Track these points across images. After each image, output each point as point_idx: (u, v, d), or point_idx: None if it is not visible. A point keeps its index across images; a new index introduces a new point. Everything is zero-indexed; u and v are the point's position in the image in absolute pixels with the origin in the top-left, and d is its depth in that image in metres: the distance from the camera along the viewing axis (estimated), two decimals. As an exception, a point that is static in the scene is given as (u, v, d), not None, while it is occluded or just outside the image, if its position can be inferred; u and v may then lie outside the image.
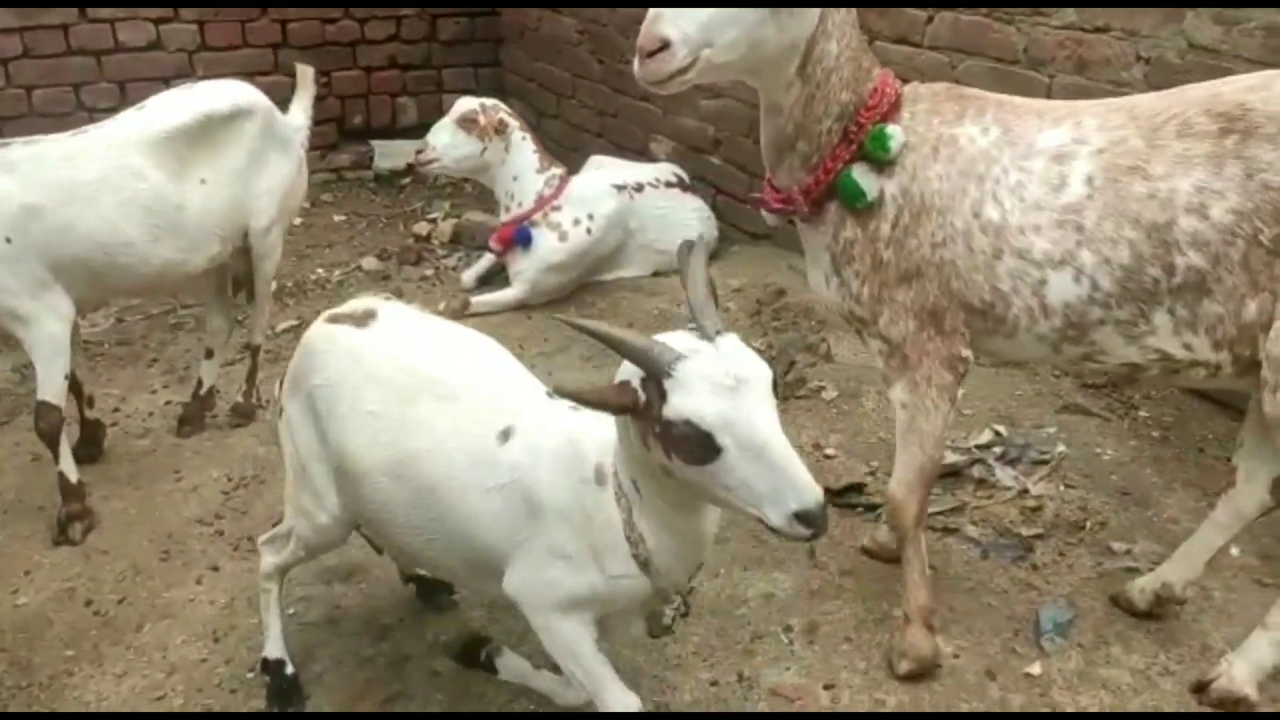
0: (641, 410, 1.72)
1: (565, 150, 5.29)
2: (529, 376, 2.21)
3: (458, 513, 2.08)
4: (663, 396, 1.68)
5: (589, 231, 4.68)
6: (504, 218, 4.75)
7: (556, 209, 4.68)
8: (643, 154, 5.60)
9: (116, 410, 3.77)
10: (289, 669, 2.50)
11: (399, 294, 4.38)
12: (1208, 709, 2.40)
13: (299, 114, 3.60)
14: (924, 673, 2.52)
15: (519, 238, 4.63)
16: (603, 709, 2.10)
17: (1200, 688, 2.45)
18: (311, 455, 2.28)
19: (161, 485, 3.35)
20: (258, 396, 3.73)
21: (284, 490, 2.43)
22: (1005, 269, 2.29)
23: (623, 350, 1.72)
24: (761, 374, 1.71)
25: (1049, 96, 3.18)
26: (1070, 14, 3.64)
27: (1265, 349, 2.17)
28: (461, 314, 4.48)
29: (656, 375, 1.69)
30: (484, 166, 4.69)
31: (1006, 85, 3.30)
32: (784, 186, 2.45)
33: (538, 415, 2.06)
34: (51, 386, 3.00)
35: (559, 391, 1.72)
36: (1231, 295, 2.17)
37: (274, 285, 3.88)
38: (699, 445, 1.67)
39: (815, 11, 2.23)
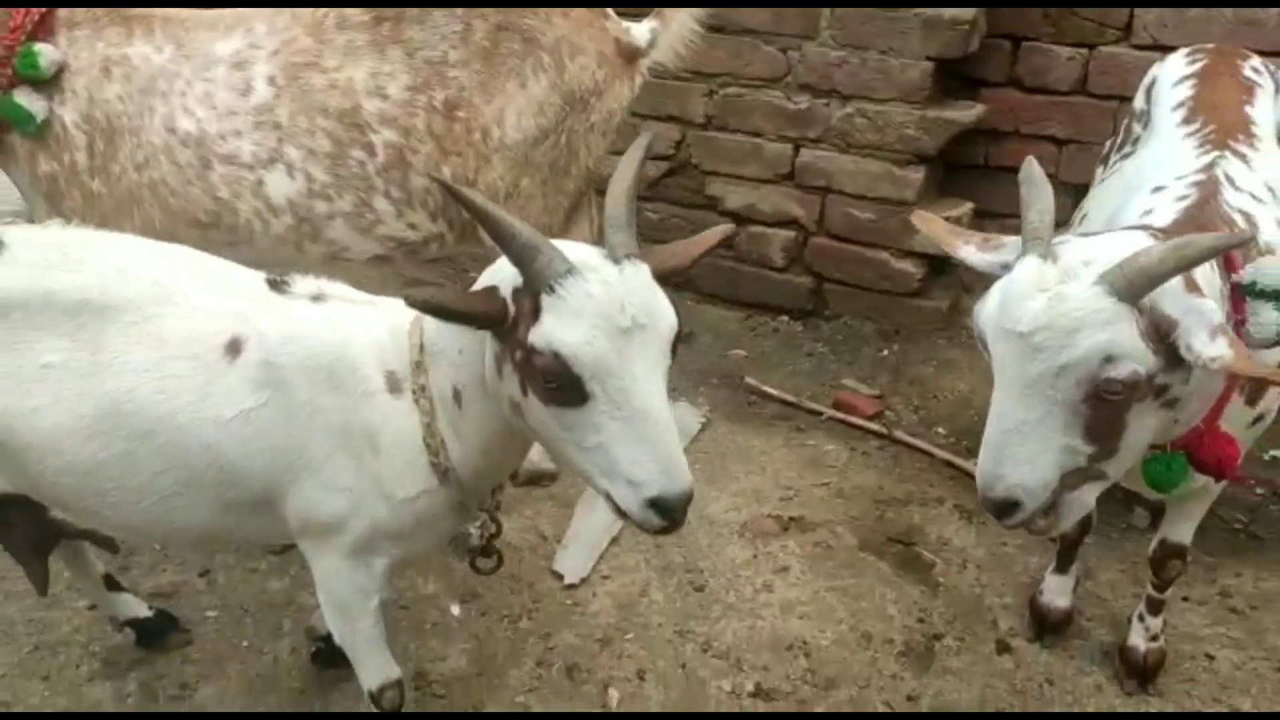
0: (506, 328, 1.44)
1: None
2: (235, 267, 1.81)
3: (191, 456, 1.69)
4: (535, 314, 1.39)
5: None
6: None
7: None
8: None
9: None
10: None
11: None
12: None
13: None
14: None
15: None
16: (362, 678, 1.92)
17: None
18: None
19: None
20: None
21: None
22: (218, 177, 2.37)
23: (508, 241, 1.41)
24: (665, 322, 1.44)
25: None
26: None
27: None
28: None
29: (536, 287, 1.40)
30: None
31: None
32: None
33: (270, 318, 1.69)
34: None
35: (414, 304, 1.41)
36: (429, 164, 2.40)
37: None
38: (563, 386, 1.39)
39: None
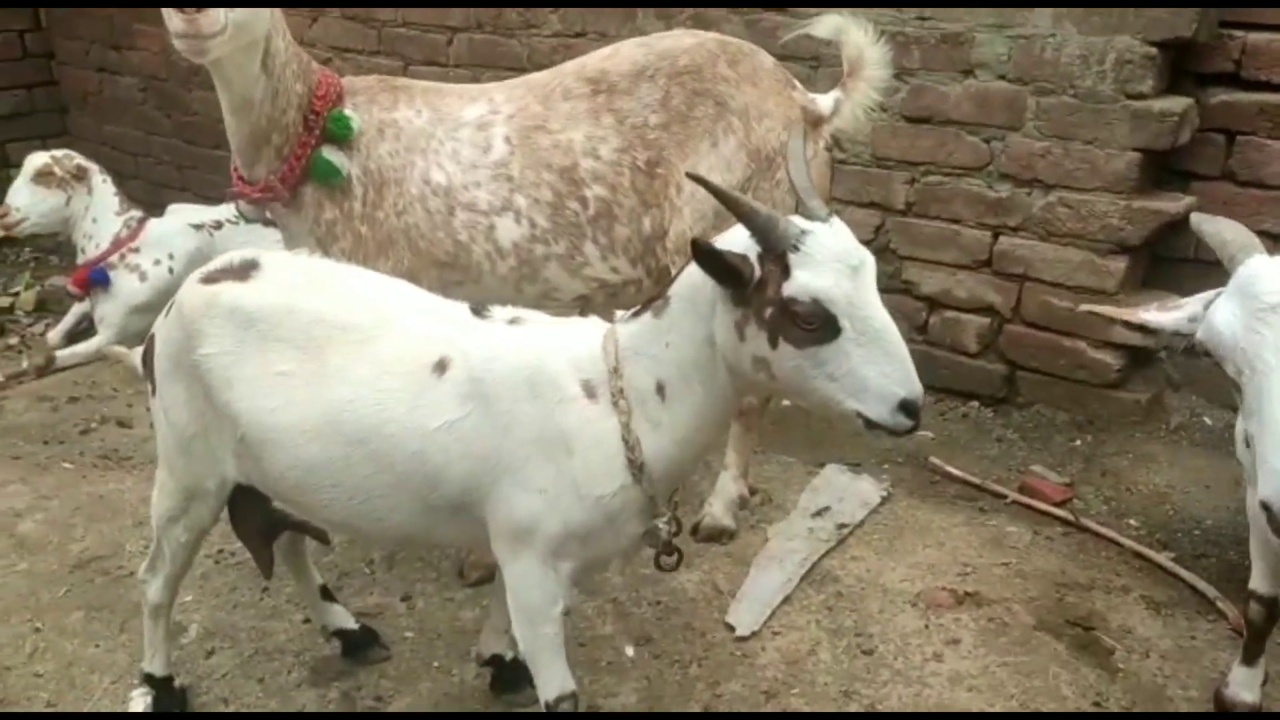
0: (751, 289, 1.66)
1: (152, 208, 5.14)
2: (446, 300, 2.06)
3: (399, 461, 1.91)
4: (785, 272, 1.63)
5: (170, 270, 4.59)
6: (80, 261, 4.65)
7: (135, 251, 4.61)
8: (225, 200, 5.59)
9: None
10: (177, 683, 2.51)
11: None
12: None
13: None
14: (490, 578, 2.59)
15: (95, 278, 4.56)
16: (540, 687, 2.02)
17: (693, 529, 2.98)
18: (204, 429, 2.09)
19: None
20: None
21: (152, 493, 2.29)
22: (460, 222, 2.70)
23: (748, 216, 1.66)
24: (871, 260, 1.68)
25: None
26: (556, 24, 4.41)
27: (669, 252, 2.70)
28: (47, 370, 4.43)
29: (781, 248, 1.64)
30: (72, 217, 4.65)
31: None
32: (259, 179, 2.70)
33: (474, 339, 1.92)
34: None
35: (696, 246, 1.65)
36: (632, 216, 2.70)
37: None
38: (821, 325, 1.62)
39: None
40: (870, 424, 1.67)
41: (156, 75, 5.91)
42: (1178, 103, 3.25)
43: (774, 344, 1.67)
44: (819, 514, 3.09)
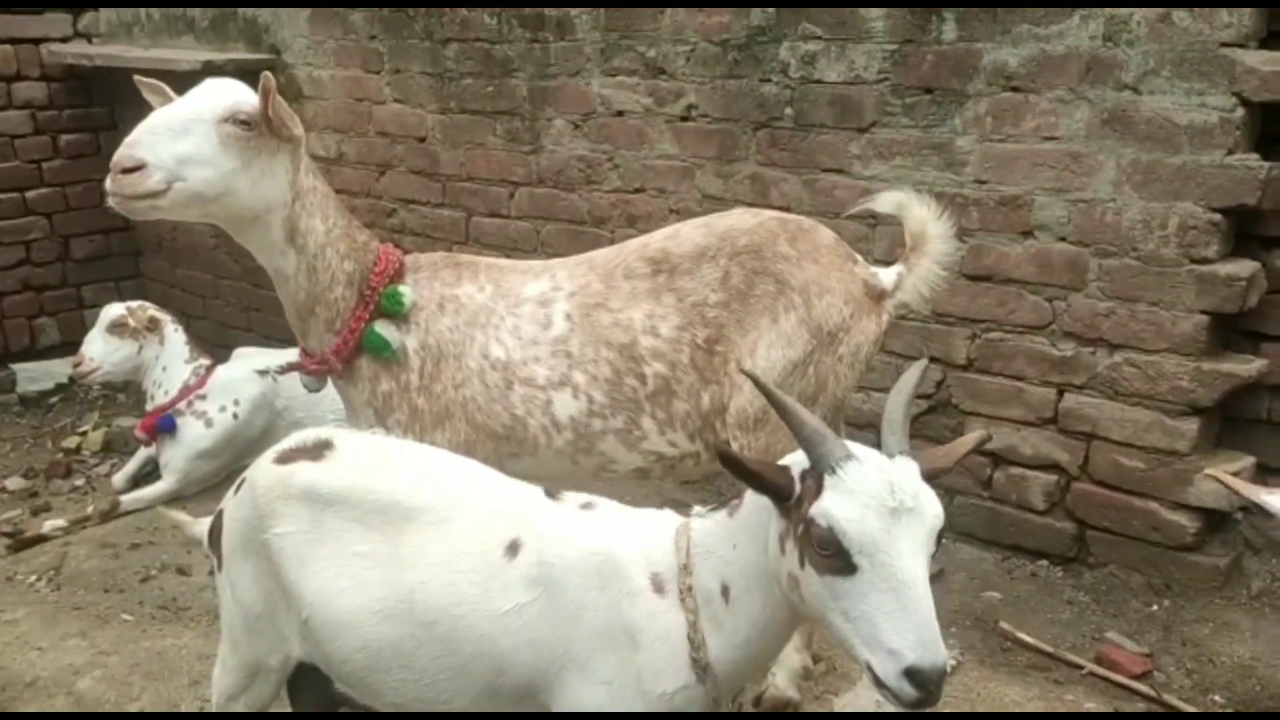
0: (791, 504, 1.63)
1: (217, 348, 5.40)
2: (518, 482, 2.07)
3: (467, 644, 1.89)
4: (818, 491, 1.59)
5: (235, 416, 4.72)
6: (149, 407, 4.81)
7: (202, 398, 4.73)
8: (290, 342, 5.75)
9: None
10: None
11: (47, 508, 4.64)
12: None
13: None
14: None
15: (163, 425, 4.68)
16: None
17: (755, 700, 2.85)
18: (271, 608, 2.10)
19: None
20: None
21: (213, 672, 2.30)
22: (517, 396, 2.73)
23: (798, 428, 1.64)
24: (930, 514, 1.61)
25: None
26: (616, 180, 4.53)
27: (729, 427, 2.69)
28: (111, 514, 4.48)
29: (820, 468, 1.61)
30: (143, 365, 4.83)
31: (579, 241, 4.50)
32: (315, 350, 2.81)
33: (547, 525, 1.92)
34: None
35: (723, 454, 1.65)
36: (691, 392, 2.71)
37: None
38: (835, 555, 1.57)
39: (284, 180, 2.63)
40: (878, 682, 1.57)
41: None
42: (1244, 266, 3.24)
43: (801, 563, 1.64)
44: (888, 687, 2.96)
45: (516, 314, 2.77)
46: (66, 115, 6.27)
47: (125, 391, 5.93)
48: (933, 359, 3.83)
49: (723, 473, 2.85)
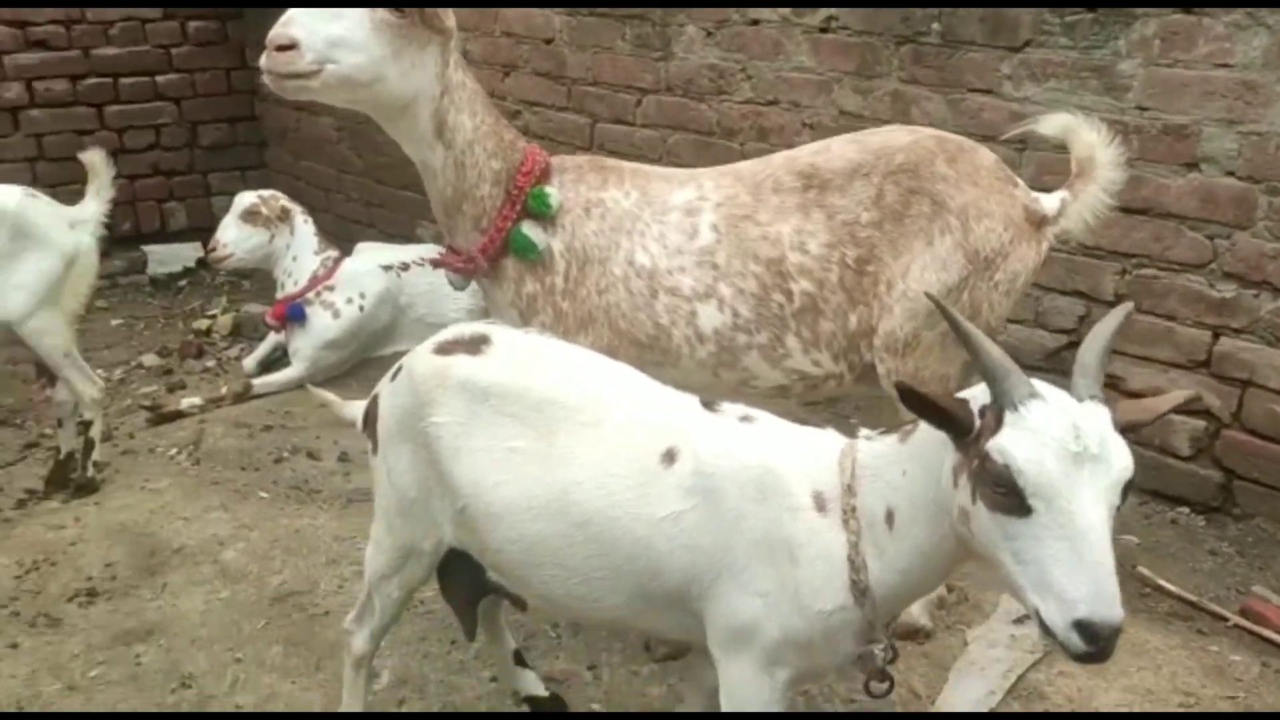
0: (970, 438, 1.57)
1: (340, 242, 5.38)
2: (673, 390, 2.06)
3: (622, 547, 1.91)
4: (997, 426, 1.53)
5: (361, 309, 4.84)
6: (279, 295, 4.91)
7: (330, 289, 4.84)
8: (410, 239, 5.87)
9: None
10: None
11: (181, 386, 4.87)
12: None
13: (91, 203, 3.82)
14: (677, 655, 2.78)
15: (292, 314, 4.80)
16: None
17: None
18: (426, 494, 2.13)
19: (-46, 575, 3.37)
20: (95, 469, 3.86)
21: (366, 552, 2.35)
22: (662, 305, 2.70)
23: (983, 359, 1.58)
24: (1118, 464, 1.51)
25: (742, 159, 3.37)
26: (748, 91, 4.40)
27: (876, 350, 2.65)
28: (244, 396, 4.65)
29: (1001, 404, 1.55)
30: (274, 253, 4.91)
31: (708, 151, 4.48)
32: (461, 248, 2.79)
33: (704, 433, 1.92)
34: None
35: (902, 389, 1.57)
36: (838, 312, 2.66)
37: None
38: (1009, 494, 1.50)
39: (433, 72, 2.63)
40: (1045, 629, 1.51)
41: (353, 117, 6.13)
42: None
43: (974, 498, 1.57)
44: (1021, 620, 2.95)
45: (662, 221, 2.73)
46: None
47: (250, 278, 6.10)
48: (1076, 293, 3.71)
49: (851, 394, 2.85)
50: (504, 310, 2.83)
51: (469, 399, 2.05)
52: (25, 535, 3.59)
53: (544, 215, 2.74)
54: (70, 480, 3.85)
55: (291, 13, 2.48)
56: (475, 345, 2.12)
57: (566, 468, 1.95)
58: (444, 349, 2.15)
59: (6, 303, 3.58)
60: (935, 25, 3.81)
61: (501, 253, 2.76)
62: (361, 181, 6.25)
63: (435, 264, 2.96)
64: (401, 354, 4.90)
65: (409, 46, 2.56)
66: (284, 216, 4.90)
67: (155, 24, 6.23)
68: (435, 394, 2.08)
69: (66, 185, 5.11)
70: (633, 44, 4.76)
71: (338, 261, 4.93)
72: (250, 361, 5.03)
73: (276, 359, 5.01)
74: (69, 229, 3.73)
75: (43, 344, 3.69)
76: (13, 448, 4.27)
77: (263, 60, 2.50)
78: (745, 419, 1.96)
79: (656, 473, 1.90)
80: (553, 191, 2.74)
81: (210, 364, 5.18)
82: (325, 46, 2.46)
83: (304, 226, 4.95)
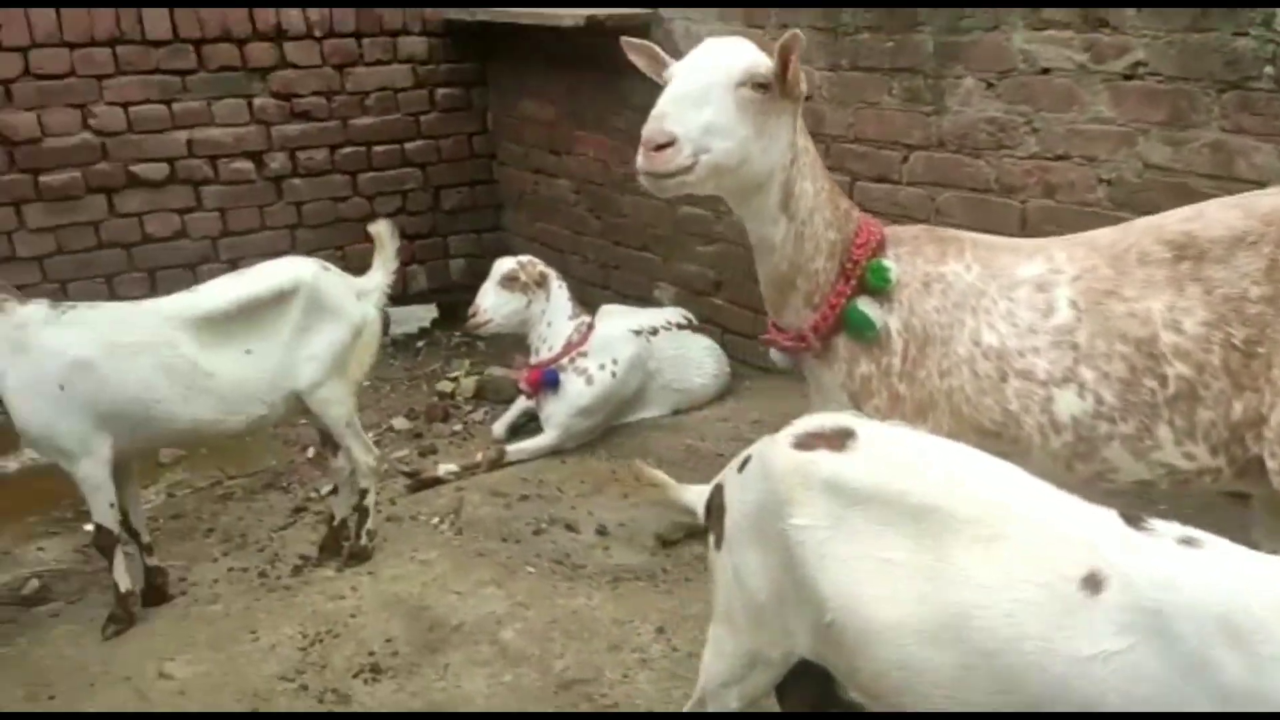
0: None
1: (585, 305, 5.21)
2: (1081, 501, 1.80)
3: (1035, 687, 1.66)
4: None
5: (614, 375, 4.73)
6: (533, 360, 4.81)
7: (583, 355, 4.74)
8: (647, 301, 5.82)
9: (183, 580, 3.84)
10: None
11: (433, 450, 4.83)
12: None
13: (377, 273, 3.90)
14: None
15: (547, 380, 4.70)
16: None
17: None
18: (779, 600, 1.98)
19: (240, 646, 3.39)
20: (369, 538, 3.87)
21: (704, 656, 2.22)
22: (1012, 390, 2.45)
23: None
24: None
25: (1024, 219, 3.27)
26: (1033, 145, 4.02)
27: (1267, 442, 2.31)
28: (499, 463, 4.56)
29: None
30: (530, 318, 4.83)
31: (982, 210, 4.15)
32: (790, 326, 2.63)
33: (1136, 557, 1.64)
34: (100, 512, 3.43)
35: None
36: (1220, 399, 2.35)
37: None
38: None
39: (786, 141, 2.47)
40: None
41: (591, 179, 6.19)
42: None
43: None
44: None
45: (1011, 298, 2.49)
46: (444, 70, 6.52)
47: (488, 340, 6.10)
48: None
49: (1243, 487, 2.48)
50: (833, 393, 2.63)
51: (835, 501, 1.87)
52: (306, 604, 3.60)
53: (882, 291, 2.55)
54: (343, 547, 3.88)
55: (661, 105, 2.38)
56: (839, 440, 1.95)
57: (960, 588, 1.73)
58: (803, 443, 1.98)
59: (299, 373, 3.64)
60: (1268, 69, 3.41)
61: (834, 331, 2.59)
62: (598, 243, 6.24)
63: (763, 343, 2.82)
64: (648, 420, 4.89)
65: (768, 120, 2.44)
66: (541, 282, 4.83)
67: (407, 93, 6.44)
68: (796, 493, 1.91)
69: (322, 251, 5.32)
70: (901, 98, 4.52)
71: (591, 327, 4.86)
72: (500, 427, 4.99)
73: (523, 425, 4.97)
74: (357, 300, 3.80)
75: (329, 413, 3.73)
76: (282, 511, 4.34)
77: (640, 162, 2.38)
78: (1187, 541, 1.66)
79: (1077, 602, 1.63)
80: (891, 264, 2.55)
81: (457, 428, 5.17)
82: (699, 135, 2.34)
83: (559, 291, 4.91)
